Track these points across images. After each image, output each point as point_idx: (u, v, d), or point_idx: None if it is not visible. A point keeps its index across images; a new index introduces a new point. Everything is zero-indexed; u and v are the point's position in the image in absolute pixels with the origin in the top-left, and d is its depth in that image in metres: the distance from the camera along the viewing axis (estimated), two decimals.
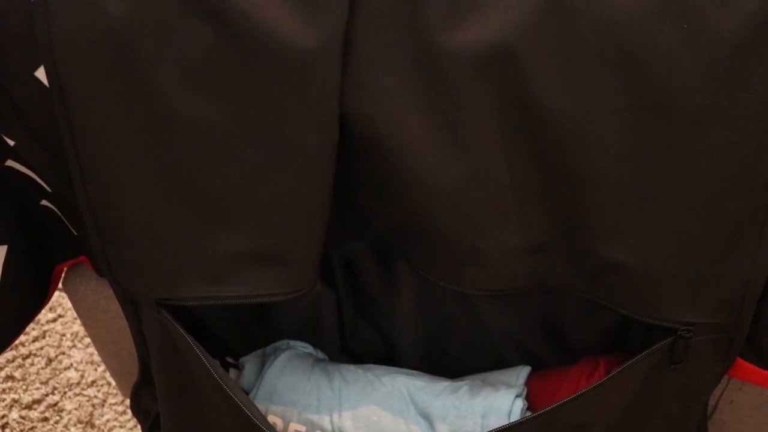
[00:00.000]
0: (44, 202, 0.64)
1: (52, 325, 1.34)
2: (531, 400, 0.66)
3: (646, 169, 0.52)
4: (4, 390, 1.29)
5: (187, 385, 0.64)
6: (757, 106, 0.50)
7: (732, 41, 0.48)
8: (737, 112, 0.50)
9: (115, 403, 1.29)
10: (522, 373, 0.67)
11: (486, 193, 0.54)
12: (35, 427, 1.27)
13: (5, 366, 1.30)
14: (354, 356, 0.74)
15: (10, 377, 1.30)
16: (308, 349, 0.73)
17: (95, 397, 1.29)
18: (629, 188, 0.53)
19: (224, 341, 0.73)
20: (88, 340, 1.33)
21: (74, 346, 1.33)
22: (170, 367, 0.64)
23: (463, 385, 0.66)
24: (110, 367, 0.84)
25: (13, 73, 0.55)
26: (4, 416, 1.27)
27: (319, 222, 0.56)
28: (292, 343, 0.72)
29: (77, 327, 1.34)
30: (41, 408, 1.28)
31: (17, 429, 1.26)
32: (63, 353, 1.32)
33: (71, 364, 1.32)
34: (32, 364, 1.31)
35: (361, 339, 0.73)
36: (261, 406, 0.67)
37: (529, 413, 0.64)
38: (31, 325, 1.30)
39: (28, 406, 1.28)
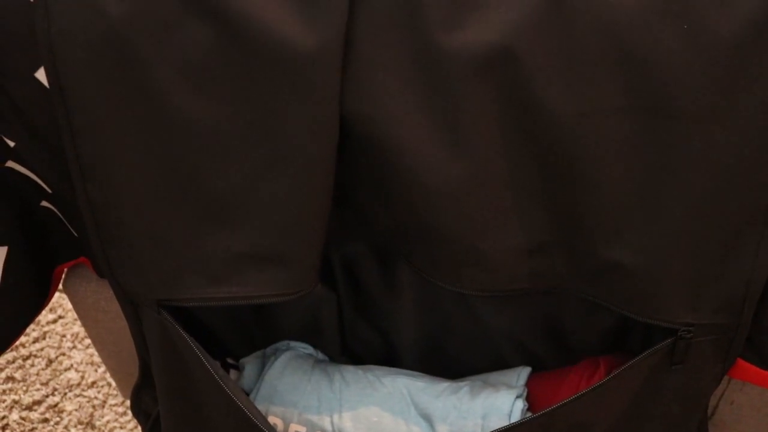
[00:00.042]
0: (44, 203, 0.64)
1: (52, 326, 1.34)
2: (531, 400, 0.66)
3: (646, 169, 0.52)
4: (4, 391, 1.29)
5: (187, 386, 0.64)
6: (757, 106, 0.50)
7: (732, 41, 0.48)
8: (737, 112, 0.50)
9: (115, 404, 1.29)
10: (522, 373, 0.67)
11: (486, 193, 0.54)
12: (35, 428, 1.27)
13: (5, 367, 1.30)
14: (354, 357, 0.74)
15: (10, 378, 1.30)
16: (308, 349, 0.73)
17: (95, 398, 1.29)
18: (629, 188, 0.53)
19: (224, 342, 0.73)
20: (88, 341, 1.33)
21: (74, 347, 1.33)
22: (170, 368, 0.64)
23: (464, 386, 0.66)
24: (110, 368, 0.84)
25: (13, 73, 0.55)
26: (4, 417, 1.27)
27: (319, 222, 0.56)
28: (293, 343, 0.72)
29: (77, 328, 1.34)
30: (41, 409, 1.28)
31: (17, 430, 1.26)
32: (63, 354, 1.32)
33: (71, 365, 1.32)
34: (32, 365, 1.31)
35: (361, 339, 0.73)
36: (261, 407, 0.67)
37: (529, 414, 0.64)
38: (32, 326, 1.30)
39: (29, 407, 1.28)
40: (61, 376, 1.31)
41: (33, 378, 1.30)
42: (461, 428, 0.64)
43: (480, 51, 0.50)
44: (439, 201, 0.54)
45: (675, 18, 0.48)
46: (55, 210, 0.65)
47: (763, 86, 0.49)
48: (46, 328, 1.34)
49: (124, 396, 0.85)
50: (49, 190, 0.62)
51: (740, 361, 0.61)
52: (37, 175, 0.62)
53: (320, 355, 0.73)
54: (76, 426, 1.27)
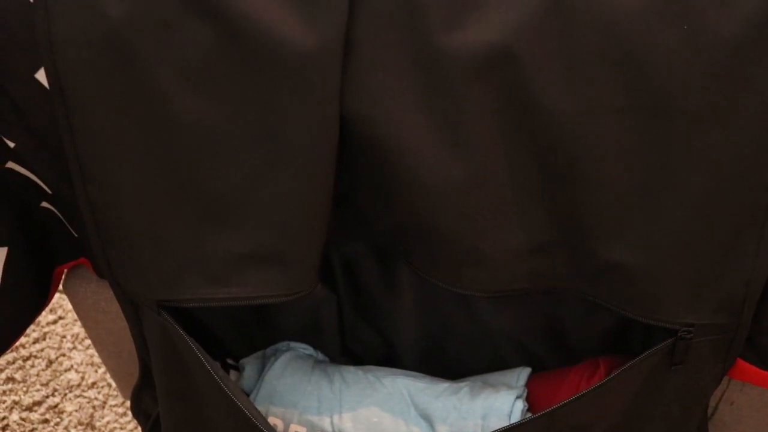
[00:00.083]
0: (44, 204, 0.64)
1: (52, 326, 1.34)
2: (531, 401, 0.66)
3: (646, 170, 0.52)
4: (4, 392, 1.29)
5: (187, 387, 0.64)
6: (757, 107, 0.50)
7: (732, 41, 0.48)
8: (737, 112, 0.50)
9: (115, 405, 1.29)
10: (522, 374, 0.67)
11: (486, 194, 0.54)
12: (35, 428, 1.27)
13: (6, 368, 1.30)
14: (354, 357, 0.74)
15: (10, 379, 1.30)
16: (308, 350, 0.72)
17: (96, 398, 1.29)
18: (629, 188, 0.53)
19: (224, 342, 0.73)
20: (88, 341, 1.33)
21: (75, 347, 1.33)
22: (171, 368, 0.64)
23: (464, 387, 0.66)
24: (111, 369, 0.84)
25: (13, 74, 0.55)
26: (4, 418, 1.27)
27: (319, 222, 0.56)
28: (293, 344, 0.72)
29: (78, 329, 1.34)
30: (41, 410, 1.28)
31: (18, 431, 1.26)
32: (63, 355, 1.32)
33: (72, 366, 1.32)
34: (33, 366, 1.31)
35: (361, 340, 0.73)
36: (261, 408, 0.67)
37: (529, 414, 0.64)
38: (32, 326, 1.30)
39: (29, 408, 1.28)
40: (62, 377, 1.31)
41: (33, 379, 1.30)
42: (461, 429, 0.64)
43: (480, 51, 0.50)
44: (439, 201, 0.54)
45: (675, 18, 0.48)
46: (55, 211, 0.65)
47: (763, 86, 0.49)
48: (46, 329, 1.34)
49: (125, 397, 0.85)
50: (49, 191, 0.62)
51: (740, 362, 0.61)
52: (37, 176, 0.62)
53: (320, 356, 0.73)
54: (76, 427, 1.27)
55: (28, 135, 0.58)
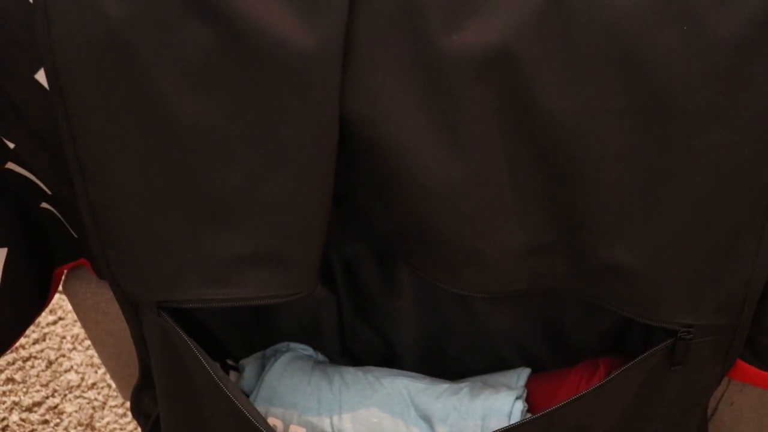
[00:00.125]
0: (44, 205, 0.64)
1: (52, 327, 1.34)
2: (531, 401, 0.66)
3: (646, 170, 0.52)
4: (4, 392, 1.29)
5: (187, 388, 0.64)
6: (758, 107, 0.50)
7: (732, 41, 0.48)
8: (737, 112, 0.50)
9: (115, 406, 1.29)
10: (522, 374, 0.67)
11: (486, 194, 0.54)
12: (35, 429, 1.27)
13: (5, 368, 1.30)
14: (354, 358, 0.74)
15: (10, 380, 1.30)
16: (308, 351, 0.72)
17: (95, 399, 1.29)
18: (629, 189, 0.53)
19: (224, 343, 0.73)
20: (88, 342, 1.33)
21: (74, 348, 1.33)
22: (170, 369, 0.64)
23: (464, 387, 0.66)
24: (110, 370, 0.84)
25: (13, 75, 0.55)
26: (4, 419, 1.27)
27: (319, 223, 0.56)
28: (292, 345, 0.72)
29: (77, 329, 1.34)
30: (41, 410, 1.28)
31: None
32: (63, 356, 1.32)
33: (71, 367, 1.31)
34: (32, 367, 1.31)
35: (361, 341, 0.73)
36: (261, 409, 0.67)
37: (529, 415, 0.64)
38: (32, 327, 1.30)
39: (29, 409, 1.28)
40: (61, 378, 1.31)
41: (33, 379, 1.30)
42: (461, 429, 0.64)
43: (480, 51, 0.50)
44: (439, 201, 0.54)
45: (675, 18, 0.48)
46: (55, 211, 0.65)
47: (763, 86, 0.49)
48: (46, 330, 1.34)
49: (124, 397, 0.85)
50: (49, 192, 0.62)
51: (740, 362, 0.61)
52: (37, 177, 0.62)
53: (320, 357, 0.73)
54: (76, 427, 1.27)
55: (27, 136, 0.58)
